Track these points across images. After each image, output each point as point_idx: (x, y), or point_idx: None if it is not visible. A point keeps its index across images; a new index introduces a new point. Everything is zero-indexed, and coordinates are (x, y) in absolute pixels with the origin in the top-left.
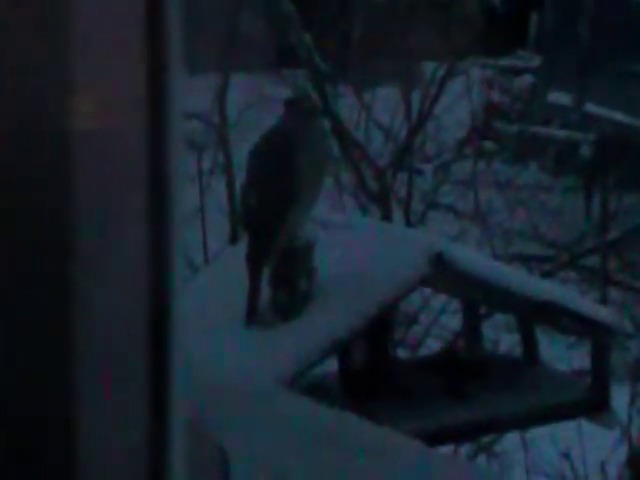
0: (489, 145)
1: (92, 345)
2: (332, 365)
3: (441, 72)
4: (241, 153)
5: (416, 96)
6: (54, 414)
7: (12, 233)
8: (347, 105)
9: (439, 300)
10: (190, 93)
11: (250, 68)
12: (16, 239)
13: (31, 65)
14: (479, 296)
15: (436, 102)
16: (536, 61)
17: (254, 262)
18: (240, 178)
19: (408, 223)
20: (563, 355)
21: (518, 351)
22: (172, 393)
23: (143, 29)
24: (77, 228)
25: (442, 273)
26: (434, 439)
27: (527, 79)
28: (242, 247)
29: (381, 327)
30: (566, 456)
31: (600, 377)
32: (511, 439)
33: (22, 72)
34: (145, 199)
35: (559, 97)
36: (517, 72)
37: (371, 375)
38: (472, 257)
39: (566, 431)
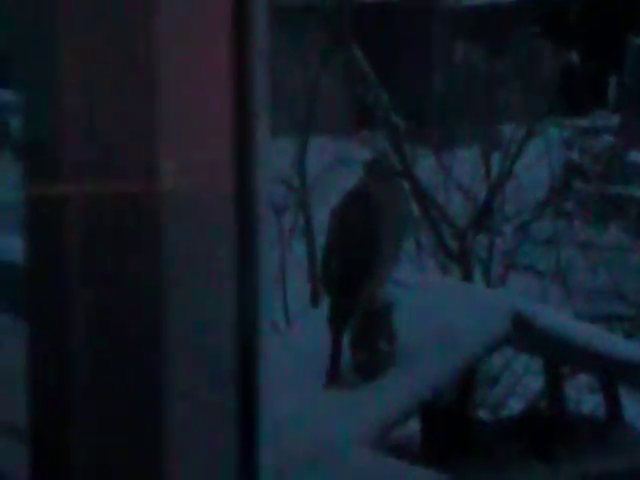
0: (569, 205)
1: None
2: (415, 426)
3: (521, 133)
4: (320, 215)
5: (496, 157)
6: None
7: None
8: (426, 166)
9: (521, 360)
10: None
11: (329, 130)
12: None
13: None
14: (561, 356)
15: (515, 162)
16: (615, 121)
17: (336, 324)
18: (320, 240)
19: (488, 283)
20: None
21: (601, 411)
22: (259, 436)
23: (232, 92)
24: (169, 281)
25: (523, 333)
26: None
27: (606, 139)
28: (323, 309)
29: (463, 388)
30: None
31: None
32: None
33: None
34: (234, 256)
35: (639, 157)
36: (596, 132)
37: (454, 435)
38: (553, 317)
39: None
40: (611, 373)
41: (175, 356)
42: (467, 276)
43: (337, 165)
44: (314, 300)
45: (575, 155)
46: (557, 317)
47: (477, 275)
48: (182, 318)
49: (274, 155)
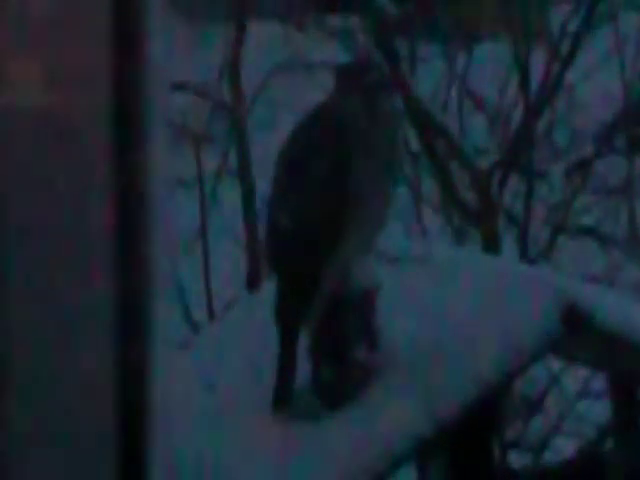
0: None
1: None
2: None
3: (577, 17)
4: (264, 148)
5: (537, 56)
6: None
7: None
8: (432, 72)
9: (575, 378)
10: (184, 53)
11: (279, 15)
12: None
13: None
14: (638, 371)
15: (569, 66)
16: None
17: (286, 319)
18: (263, 186)
19: (525, 255)
20: None
21: None
22: None
23: None
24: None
25: (580, 335)
26: None
27: None
28: (267, 295)
29: (484, 419)
30: None
31: None
32: None
33: None
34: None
35: None
36: None
37: None
38: (629, 310)
39: None
40: None
41: None
42: (492, 244)
43: (290, 70)
44: (253, 280)
45: None
46: (634, 310)
47: (507, 242)
48: None
49: (189, 52)
